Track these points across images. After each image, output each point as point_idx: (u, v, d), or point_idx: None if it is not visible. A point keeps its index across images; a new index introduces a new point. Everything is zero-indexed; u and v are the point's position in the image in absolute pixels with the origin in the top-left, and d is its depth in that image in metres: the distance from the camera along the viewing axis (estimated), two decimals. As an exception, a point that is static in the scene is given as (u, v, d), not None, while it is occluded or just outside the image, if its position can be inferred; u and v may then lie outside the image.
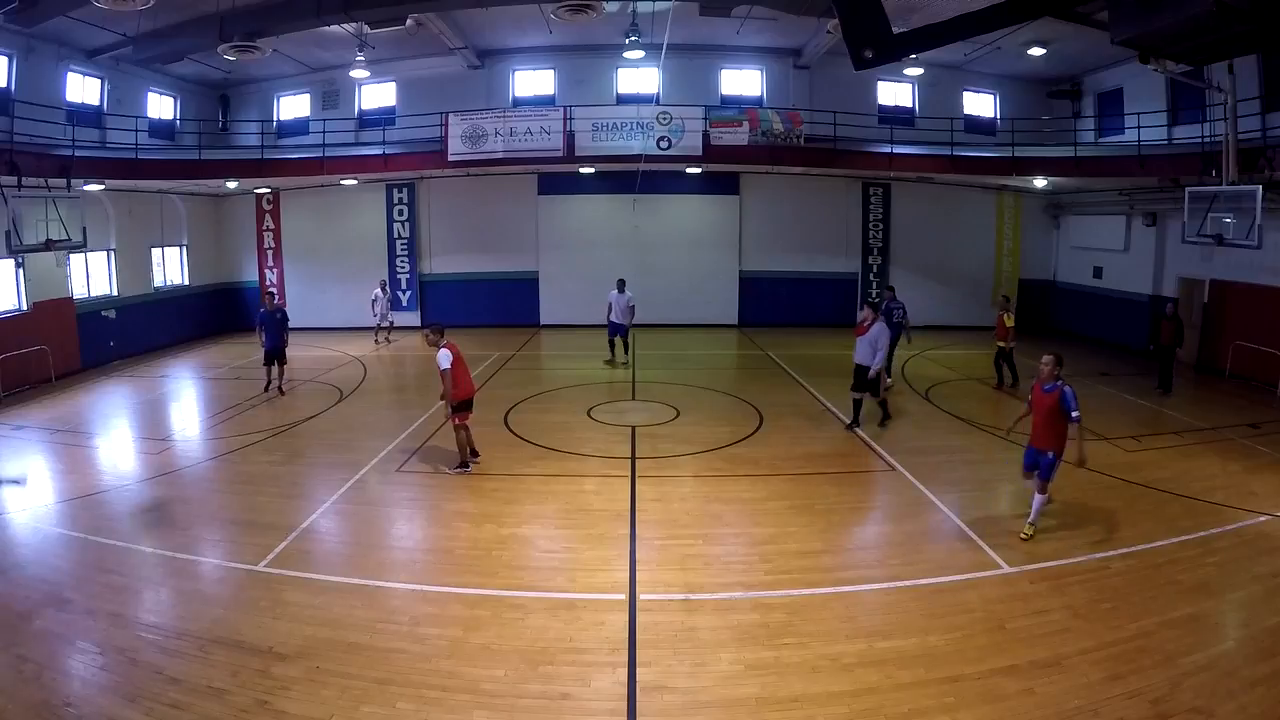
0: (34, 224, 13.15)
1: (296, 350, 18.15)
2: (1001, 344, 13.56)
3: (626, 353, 16.06)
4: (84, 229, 14.39)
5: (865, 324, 10.94)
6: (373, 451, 10.16)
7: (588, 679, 5.14)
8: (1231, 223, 11.66)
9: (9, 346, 13.53)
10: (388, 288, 19.88)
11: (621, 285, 15.88)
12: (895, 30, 5.57)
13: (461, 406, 9.16)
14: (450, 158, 17.39)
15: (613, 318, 15.78)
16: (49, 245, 13.43)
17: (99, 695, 4.90)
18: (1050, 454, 7.21)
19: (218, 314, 20.73)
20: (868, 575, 6.67)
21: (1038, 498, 7.32)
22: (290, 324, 14.11)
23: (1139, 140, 14.97)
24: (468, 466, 9.37)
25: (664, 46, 14.89)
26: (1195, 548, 7.07)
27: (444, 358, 8.86)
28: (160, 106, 18.67)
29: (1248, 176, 11.60)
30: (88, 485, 8.95)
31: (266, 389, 13.68)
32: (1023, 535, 7.27)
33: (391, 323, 19.47)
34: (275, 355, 13.57)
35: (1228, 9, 4.53)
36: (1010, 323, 13.47)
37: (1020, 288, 20.87)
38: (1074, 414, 7.01)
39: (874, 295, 17.88)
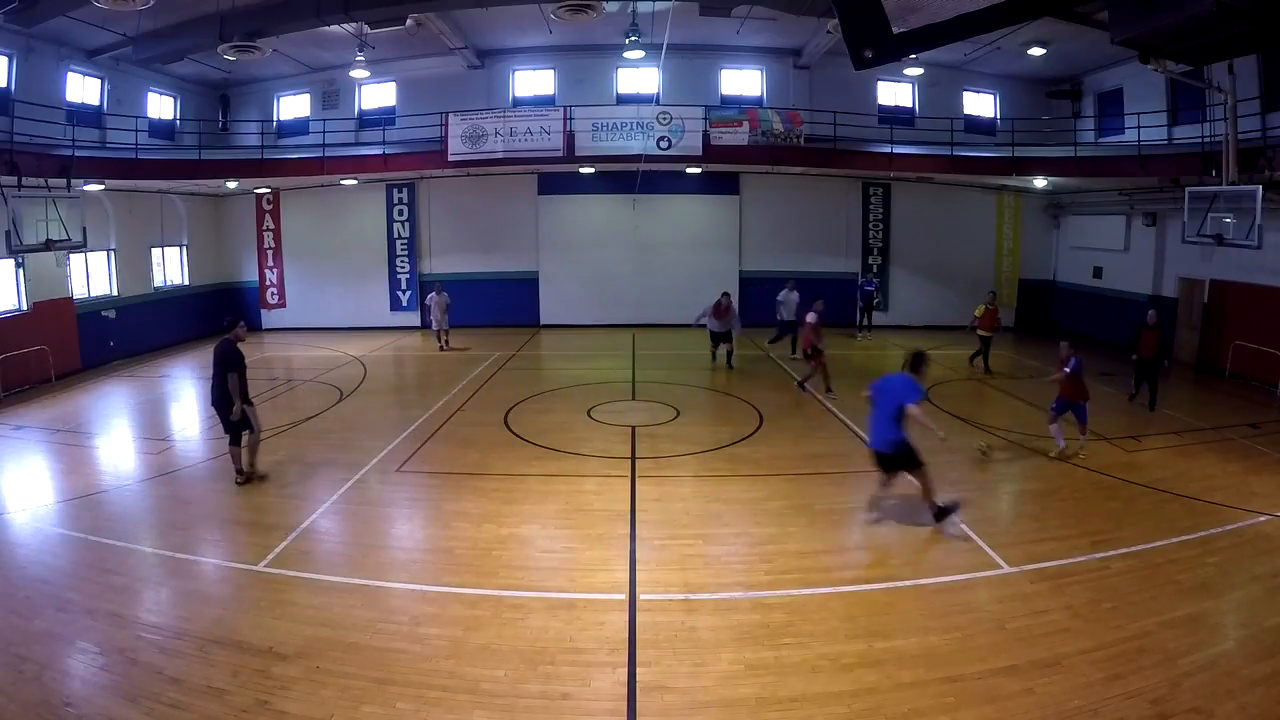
0: (34, 224, 13.16)
1: (296, 350, 18.25)
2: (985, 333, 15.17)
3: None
4: (84, 229, 14.40)
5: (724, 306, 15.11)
6: (373, 451, 10.15)
7: (588, 679, 5.13)
8: (1231, 223, 11.66)
9: (9, 346, 13.53)
10: (443, 290, 18.21)
11: (793, 285, 16.99)
12: (895, 30, 5.57)
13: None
14: (450, 158, 17.40)
15: (784, 315, 16.67)
16: (49, 245, 13.44)
17: (99, 695, 4.90)
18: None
19: (218, 314, 20.46)
20: (868, 575, 6.67)
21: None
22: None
23: (1139, 140, 14.96)
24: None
25: (664, 46, 14.90)
26: (1195, 548, 7.07)
27: (811, 315, 13.15)
28: (160, 106, 18.68)
29: (1248, 176, 11.60)
30: (88, 485, 8.95)
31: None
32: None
33: (446, 329, 18.20)
34: None
35: (1228, 9, 4.54)
36: (980, 312, 15.30)
37: (1020, 288, 20.90)
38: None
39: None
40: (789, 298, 16.73)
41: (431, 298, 18.19)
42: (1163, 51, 6.08)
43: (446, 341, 18.17)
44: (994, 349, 15.42)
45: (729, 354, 15.82)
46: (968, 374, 15.07)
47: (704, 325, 15.78)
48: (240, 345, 8.85)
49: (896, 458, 7.49)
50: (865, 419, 11.50)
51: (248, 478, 8.92)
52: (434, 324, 18.18)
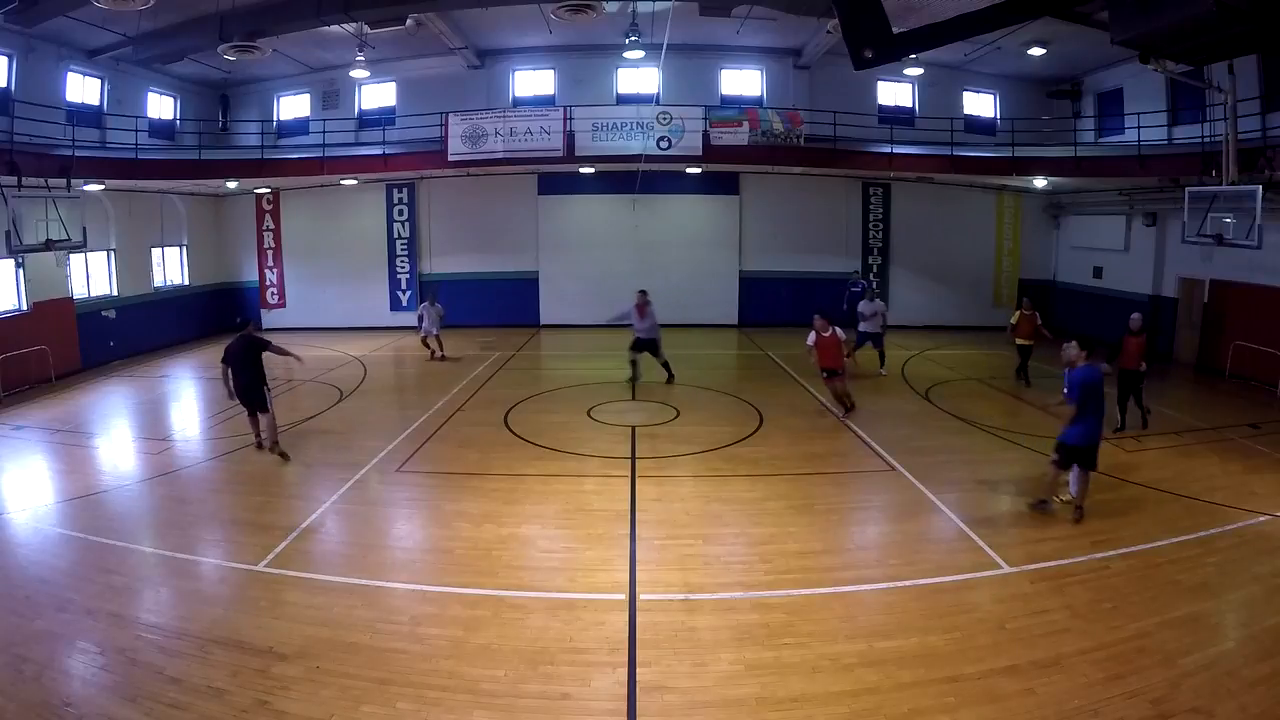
0: (34, 224, 13.16)
1: (296, 350, 18.19)
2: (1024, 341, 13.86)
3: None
4: (84, 229, 14.39)
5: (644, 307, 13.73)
6: (373, 451, 10.15)
7: (588, 679, 5.14)
8: (1231, 223, 11.64)
9: (9, 346, 13.52)
10: (437, 301, 16.98)
11: (872, 293, 15.87)
12: (895, 30, 5.58)
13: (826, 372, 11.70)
14: (450, 158, 17.38)
15: (862, 328, 14.79)
16: (49, 245, 13.43)
17: (99, 695, 4.90)
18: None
19: (218, 314, 20.65)
20: (868, 575, 6.67)
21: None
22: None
23: (1139, 140, 14.96)
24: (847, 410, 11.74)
25: (664, 46, 14.88)
26: (1195, 548, 7.06)
27: (810, 336, 11.59)
28: (160, 106, 18.67)
29: (1248, 176, 11.58)
30: (88, 485, 8.95)
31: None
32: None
33: (436, 335, 16.73)
34: None
35: (1228, 9, 4.54)
36: (1015, 319, 14.08)
37: (1020, 288, 20.85)
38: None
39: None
40: (869, 308, 14.85)
41: (424, 308, 16.80)
42: (1163, 51, 6.10)
43: (441, 352, 16.74)
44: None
45: (665, 365, 14.07)
46: (966, 374, 15.05)
47: (629, 325, 13.90)
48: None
49: (1084, 453, 7.56)
50: (873, 421, 11.63)
51: (261, 444, 10.06)
52: (422, 330, 16.72)
